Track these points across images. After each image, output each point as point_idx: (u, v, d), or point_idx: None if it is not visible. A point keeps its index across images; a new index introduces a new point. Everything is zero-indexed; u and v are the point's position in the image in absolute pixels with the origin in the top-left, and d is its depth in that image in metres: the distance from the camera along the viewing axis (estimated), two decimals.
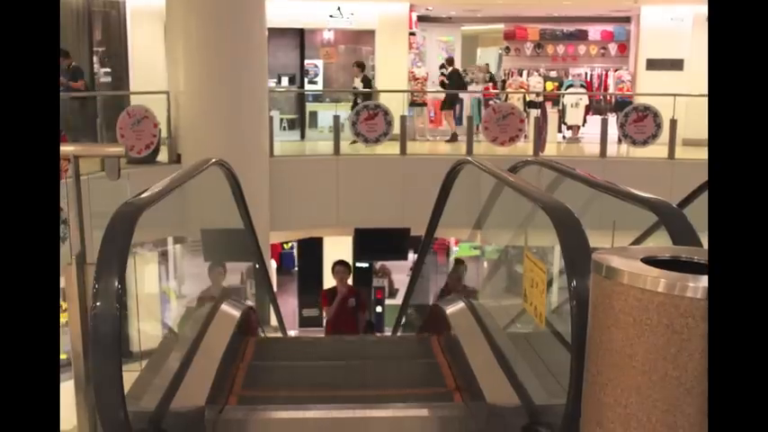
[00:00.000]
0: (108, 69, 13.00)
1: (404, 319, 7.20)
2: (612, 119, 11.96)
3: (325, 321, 8.59)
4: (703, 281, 1.59)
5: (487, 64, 15.63)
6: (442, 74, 14.51)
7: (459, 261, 9.13)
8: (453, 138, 13.39)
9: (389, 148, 11.11)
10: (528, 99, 14.23)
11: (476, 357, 3.78)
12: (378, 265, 13.97)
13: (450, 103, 14.02)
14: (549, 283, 3.03)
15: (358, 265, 12.51)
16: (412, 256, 13.39)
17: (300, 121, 14.28)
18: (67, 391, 2.53)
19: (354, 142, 11.08)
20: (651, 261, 1.75)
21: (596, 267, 1.77)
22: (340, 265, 8.32)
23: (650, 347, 1.64)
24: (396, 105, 11.37)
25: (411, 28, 14.92)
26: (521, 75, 15.82)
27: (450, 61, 14.70)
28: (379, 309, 13.36)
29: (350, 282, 8.68)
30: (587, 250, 2.12)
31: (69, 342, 2.96)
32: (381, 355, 4.89)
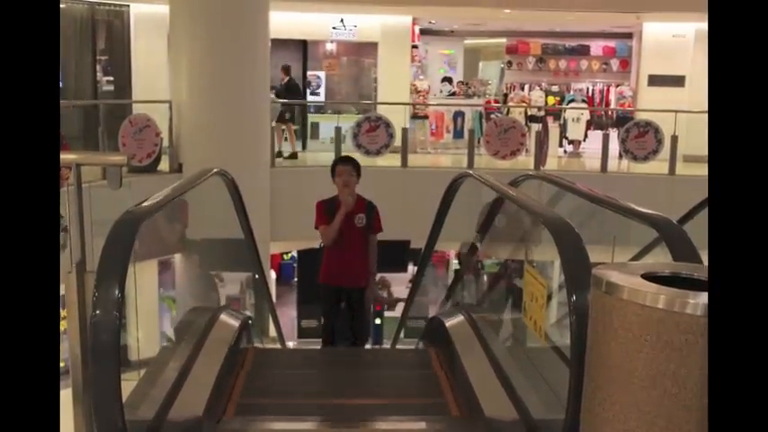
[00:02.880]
0: (111, 78, 13.05)
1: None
2: (614, 134, 11.99)
3: (323, 251, 5.66)
4: (703, 297, 1.60)
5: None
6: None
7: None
8: (292, 156, 12.28)
9: (391, 161, 11.12)
10: (529, 113, 14.27)
11: (474, 371, 3.78)
12: (377, 276, 13.96)
13: (283, 115, 12.38)
14: (549, 298, 3.03)
15: None
16: (411, 269, 13.41)
17: (302, 132, 14.32)
18: (65, 398, 2.53)
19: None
20: (651, 277, 1.75)
21: (596, 282, 1.77)
22: (345, 163, 5.68)
23: (650, 363, 1.64)
24: (397, 118, 11.40)
25: (413, 41, 14.98)
26: (522, 89, 15.86)
27: (286, 70, 12.92)
28: (378, 321, 13.34)
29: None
30: (587, 265, 2.12)
31: (68, 350, 2.96)
32: None
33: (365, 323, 5.90)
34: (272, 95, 11.77)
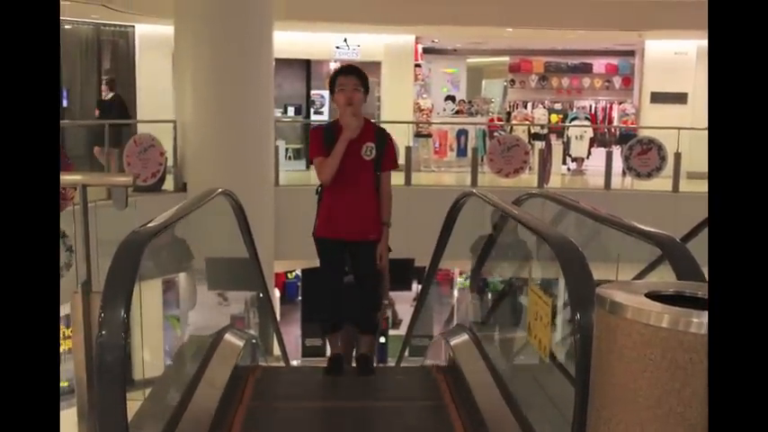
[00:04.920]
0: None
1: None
2: (617, 151, 12.01)
3: (317, 202, 4.37)
4: (707, 316, 1.60)
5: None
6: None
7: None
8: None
9: (394, 179, 11.14)
10: (532, 131, 14.30)
11: (480, 391, 3.76)
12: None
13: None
14: (554, 316, 3.03)
15: None
16: (416, 287, 13.39)
17: (306, 151, 14.36)
18: (70, 418, 2.53)
19: None
20: (655, 296, 1.75)
21: (600, 302, 1.78)
22: (347, 73, 4.45)
23: (654, 383, 1.64)
24: (401, 136, 11.44)
25: (416, 60, 15.05)
26: (525, 107, 15.91)
27: (110, 84, 11.44)
28: (382, 339, 13.30)
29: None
30: (592, 285, 2.12)
31: (72, 369, 2.96)
32: None
33: (377, 297, 4.46)
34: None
